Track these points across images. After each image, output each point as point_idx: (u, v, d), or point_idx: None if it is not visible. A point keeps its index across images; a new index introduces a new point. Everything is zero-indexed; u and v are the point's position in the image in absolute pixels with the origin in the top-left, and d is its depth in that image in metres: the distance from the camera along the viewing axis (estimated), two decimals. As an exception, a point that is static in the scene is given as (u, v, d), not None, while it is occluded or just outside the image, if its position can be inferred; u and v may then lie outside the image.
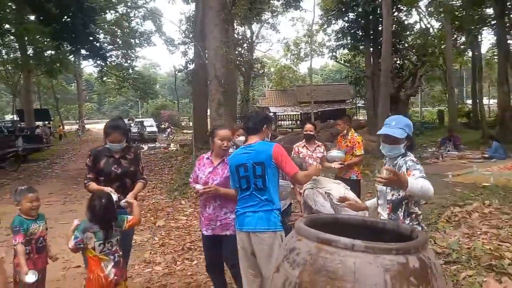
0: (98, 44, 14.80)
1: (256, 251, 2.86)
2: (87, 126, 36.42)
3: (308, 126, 5.12)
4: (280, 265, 1.66)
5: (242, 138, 4.52)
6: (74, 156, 18.56)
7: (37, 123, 26.41)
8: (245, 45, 10.11)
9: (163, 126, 31.85)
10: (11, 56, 23.36)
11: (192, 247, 5.25)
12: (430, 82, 30.87)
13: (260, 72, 17.54)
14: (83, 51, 14.64)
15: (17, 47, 20.99)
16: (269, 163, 2.87)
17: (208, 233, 3.24)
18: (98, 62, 21.55)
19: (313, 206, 3.53)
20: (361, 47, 19.43)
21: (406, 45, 22.37)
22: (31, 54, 20.56)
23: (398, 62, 24.65)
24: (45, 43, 15.64)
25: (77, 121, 37.81)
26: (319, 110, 29.19)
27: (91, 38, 13.71)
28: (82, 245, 2.66)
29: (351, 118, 6.47)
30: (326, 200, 3.18)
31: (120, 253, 2.82)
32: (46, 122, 28.69)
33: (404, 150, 2.56)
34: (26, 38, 17.33)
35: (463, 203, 6.60)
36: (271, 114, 33.55)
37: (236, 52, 10.44)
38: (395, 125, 2.52)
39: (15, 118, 27.97)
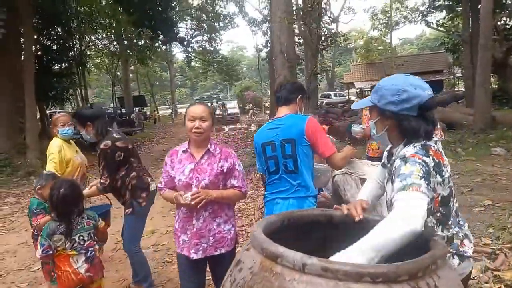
0: (176, 30, 15.16)
1: None
2: (179, 110, 38.57)
3: None
4: (224, 283, 1.21)
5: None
6: (162, 139, 19.74)
7: (135, 108, 28.77)
8: (314, 15, 9.26)
9: (247, 107, 32.30)
10: (110, 47, 25.44)
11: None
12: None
13: (342, 44, 16.17)
14: (161, 37, 15.07)
15: (113, 38, 22.74)
16: (300, 141, 2.40)
17: (197, 256, 2.31)
18: (179, 47, 22.27)
19: (343, 195, 2.87)
20: (458, 8, 16.90)
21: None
22: (126, 44, 22.24)
23: (507, 21, 21.14)
24: (133, 33, 16.59)
25: (170, 105, 40.32)
26: (410, 83, 26.70)
27: (169, 23, 14.09)
28: (51, 252, 2.36)
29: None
30: (359, 187, 2.55)
31: (97, 247, 2.60)
32: (142, 108, 31.05)
33: (381, 133, 1.62)
34: (122, 30, 18.81)
35: None
36: (357, 89, 31.90)
37: (302, 22, 9.65)
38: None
39: (116, 105, 30.84)
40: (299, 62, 10.38)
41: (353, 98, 32.89)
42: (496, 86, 22.26)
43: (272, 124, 2.56)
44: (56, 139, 3.58)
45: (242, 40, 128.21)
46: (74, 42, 19.43)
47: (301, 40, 11.09)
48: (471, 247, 1.56)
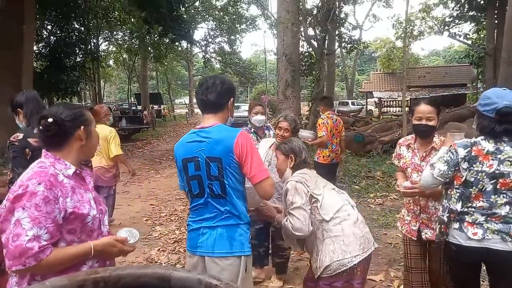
0: (186, 27, 14.95)
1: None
2: (196, 110, 38.52)
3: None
4: None
5: (259, 117, 3.95)
6: (169, 138, 19.55)
7: (151, 106, 28.79)
8: (319, 16, 8.78)
9: (263, 111, 31.86)
10: (127, 43, 25.58)
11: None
12: None
13: (360, 50, 15.55)
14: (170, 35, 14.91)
15: (129, 34, 22.80)
16: (228, 161, 1.95)
17: None
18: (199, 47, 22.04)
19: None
20: (483, 20, 16.00)
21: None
22: (144, 41, 22.24)
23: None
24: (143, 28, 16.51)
25: (187, 105, 40.33)
26: (431, 95, 25.67)
27: (179, 21, 13.89)
28: None
29: (328, 101, 6.27)
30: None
31: None
32: (158, 106, 31.07)
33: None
34: (133, 26, 18.73)
35: None
36: (374, 99, 30.96)
37: (307, 24, 9.18)
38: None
39: (132, 101, 31.01)
40: (301, 66, 9.90)
41: (371, 107, 32.02)
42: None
43: (197, 135, 2.04)
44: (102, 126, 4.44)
45: (267, 43, 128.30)
46: (90, 37, 19.52)
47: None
48: (475, 234, 2.04)
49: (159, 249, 4.57)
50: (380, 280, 3.57)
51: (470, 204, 2.07)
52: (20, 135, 2.66)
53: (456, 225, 2.12)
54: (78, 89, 18.17)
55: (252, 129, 3.98)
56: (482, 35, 19.30)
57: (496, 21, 14.63)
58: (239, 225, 2.03)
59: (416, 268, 2.61)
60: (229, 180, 1.97)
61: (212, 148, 1.96)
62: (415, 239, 2.58)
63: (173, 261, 4.24)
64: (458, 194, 2.10)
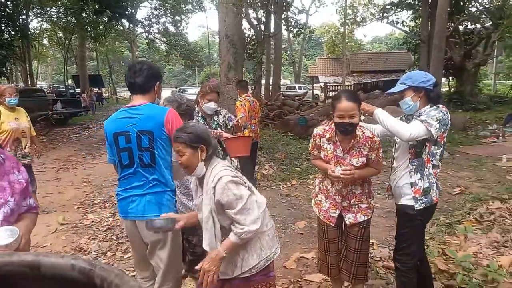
0: (124, 4, 14.12)
1: (148, 243, 2.31)
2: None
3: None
4: None
5: (212, 105, 3.79)
6: (111, 122, 18.69)
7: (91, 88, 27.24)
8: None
9: (210, 94, 31.39)
10: (62, 21, 23.81)
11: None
12: (507, 51, 26.70)
13: (300, 31, 15.61)
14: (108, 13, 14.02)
15: (66, 12, 21.21)
16: (159, 134, 2.20)
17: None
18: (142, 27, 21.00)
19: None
20: (419, 8, 16.81)
21: (480, 6, 19.16)
22: (80, 19, 20.75)
23: (468, 26, 21.44)
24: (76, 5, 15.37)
25: (131, 88, 38.69)
26: (373, 81, 26.78)
27: (117, -1, 13.09)
28: None
29: (244, 84, 6.51)
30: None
31: None
32: (97, 89, 29.52)
33: (417, 103, 2.44)
34: (69, 2, 17.40)
35: (508, 197, 5.03)
36: (320, 84, 31.74)
37: (248, 5, 9.06)
38: (398, 83, 2.52)
39: (70, 84, 29.17)
40: (246, 48, 9.80)
41: (317, 92, 32.77)
42: (453, 89, 22.68)
43: (127, 112, 2.24)
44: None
45: (215, 25, 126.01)
46: (19, 12, 17.88)
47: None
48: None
49: (89, 237, 4.35)
50: (312, 257, 3.66)
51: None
52: None
53: (435, 185, 2.43)
54: (6, 69, 16.65)
55: (200, 113, 3.79)
56: (418, 23, 20.31)
57: (429, 10, 15.43)
58: (166, 192, 2.26)
59: (334, 251, 2.62)
60: (159, 150, 2.21)
61: (143, 123, 2.18)
62: (333, 225, 2.57)
63: (103, 248, 4.05)
64: (440, 153, 2.41)
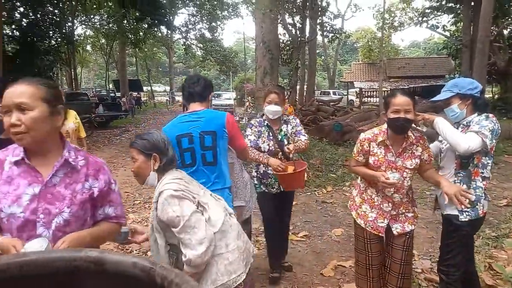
0: (164, 11, 14.58)
1: None
2: (177, 98, 38.03)
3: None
4: None
5: (273, 107, 3.20)
6: (148, 125, 19.25)
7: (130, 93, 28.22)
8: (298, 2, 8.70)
9: (244, 99, 31.70)
10: (105, 27, 24.89)
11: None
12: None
13: (342, 40, 15.50)
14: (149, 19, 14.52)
15: (105, 18, 22.18)
16: (221, 133, 2.41)
17: None
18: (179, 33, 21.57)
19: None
20: (460, 12, 16.22)
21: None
22: (122, 25, 21.61)
23: (513, 29, 20.42)
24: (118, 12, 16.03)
25: (168, 92, 39.75)
26: (410, 86, 26.04)
27: (157, 5, 13.53)
28: None
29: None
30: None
31: None
32: (136, 93, 30.51)
33: (464, 110, 2.38)
34: (112, 10, 18.19)
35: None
36: (355, 89, 31.23)
37: (285, 11, 9.09)
38: (443, 89, 2.48)
39: (111, 88, 30.34)
40: (282, 54, 9.81)
41: (352, 97, 32.28)
42: (497, 96, 21.64)
43: (188, 117, 2.47)
44: None
45: (251, 31, 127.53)
46: (65, 20, 18.86)
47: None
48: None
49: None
50: (350, 266, 3.60)
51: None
52: None
53: (483, 198, 2.36)
54: (53, 73, 17.58)
55: (266, 122, 3.29)
56: (459, 27, 19.60)
57: (472, 13, 14.86)
58: (225, 189, 2.41)
59: (376, 264, 2.55)
60: (220, 150, 2.39)
61: (206, 125, 2.39)
62: (382, 235, 2.48)
63: (144, 248, 4.17)
64: (490, 164, 2.37)
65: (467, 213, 2.32)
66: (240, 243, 1.91)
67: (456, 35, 19.94)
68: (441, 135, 2.33)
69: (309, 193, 6.36)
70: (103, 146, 12.12)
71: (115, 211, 1.63)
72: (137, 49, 28.95)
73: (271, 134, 3.26)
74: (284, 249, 3.62)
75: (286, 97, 8.46)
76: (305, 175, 3.31)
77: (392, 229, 2.48)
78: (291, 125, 3.35)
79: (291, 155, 3.20)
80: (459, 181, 2.35)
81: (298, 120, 3.44)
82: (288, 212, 3.56)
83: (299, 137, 3.33)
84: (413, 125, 2.37)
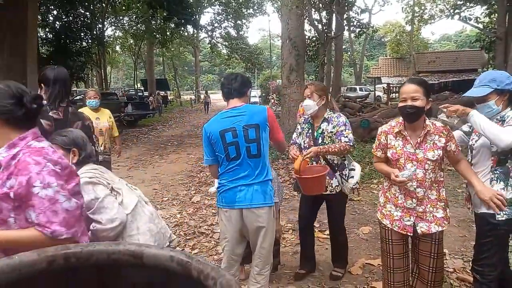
0: (190, 11, 14.76)
1: (249, 230, 2.52)
2: (202, 96, 38.48)
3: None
4: None
5: (309, 102, 3.11)
6: (175, 123, 19.58)
7: (157, 92, 28.78)
8: None
9: (269, 97, 31.68)
10: (134, 28, 25.45)
11: (206, 232, 4.58)
12: None
13: (369, 35, 15.22)
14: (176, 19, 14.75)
15: (134, 19, 22.67)
16: (264, 126, 2.50)
17: None
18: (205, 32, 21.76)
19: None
20: (494, 3, 15.55)
21: None
22: (150, 26, 22.05)
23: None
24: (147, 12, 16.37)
25: (193, 91, 40.24)
26: (441, 81, 25.26)
27: (184, 5, 13.72)
28: None
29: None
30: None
31: None
32: (163, 92, 31.07)
33: (500, 106, 2.28)
34: (140, 11, 18.61)
35: None
36: (383, 85, 30.57)
37: (311, 7, 9.01)
38: (478, 84, 2.34)
39: (139, 87, 30.99)
40: (308, 50, 9.73)
41: (379, 93, 31.63)
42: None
43: (230, 112, 2.54)
44: (84, 108, 4.74)
45: (276, 28, 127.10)
46: (96, 22, 19.44)
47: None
48: None
49: (160, 232, 4.60)
50: (378, 264, 3.56)
51: None
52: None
53: None
54: (84, 74, 18.17)
55: (310, 119, 3.25)
56: (493, 19, 18.81)
57: (507, 4, 14.24)
58: (268, 181, 2.51)
59: (398, 268, 2.45)
60: (263, 142, 2.48)
61: (249, 118, 2.47)
62: (410, 234, 2.39)
63: (172, 244, 4.27)
64: None
65: (504, 212, 2.24)
66: (152, 226, 2.04)
67: (490, 27, 19.13)
68: (478, 129, 2.22)
69: (336, 191, 6.31)
70: (131, 144, 12.42)
71: (37, 218, 1.43)
72: (164, 49, 29.44)
73: (310, 131, 3.20)
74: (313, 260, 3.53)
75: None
76: (326, 179, 3.04)
77: (417, 228, 2.36)
78: (332, 124, 3.11)
79: (312, 155, 2.97)
80: (495, 179, 2.27)
81: (343, 119, 3.12)
82: (336, 218, 3.39)
83: (340, 138, 3.05)
84: (439, 116, 2.34)
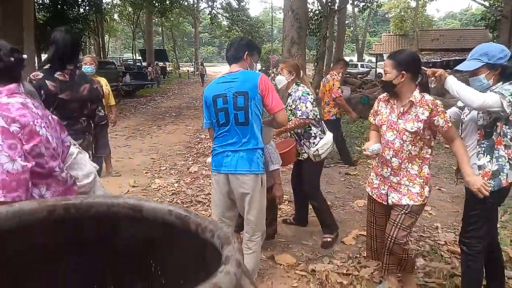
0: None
1: (236, 195, 2.55)
2: (199, 69, 38.06)
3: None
4: None
5: (278, 77, 3.45)
6: (174, 95, 19.43)
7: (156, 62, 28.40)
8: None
9: (270, 71, 31.37)
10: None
11: (203, 200, 4.64)
12: None
13: (366, 6, 14.91)
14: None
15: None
16: (253, 94, 2.43)
17: None
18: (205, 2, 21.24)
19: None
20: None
21: None
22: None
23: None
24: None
25: (192, 63, 39.74)
26: (443, 59, 25.02)
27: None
28: None
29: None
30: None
31: None
32: (161, 63, 30.66)
33: (491, 80, 2.24)
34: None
35: None
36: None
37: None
38: (470, 57, 2.31)
39: (137, 58, 30.54)
40: (310, 24, 9.55)
41: (380, 70, 31.34)
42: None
43: (225, 78, 2.55)
44: None
45: (278, 0, 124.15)
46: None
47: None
48: None
49: (157, 200, 4.65)
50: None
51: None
52: (40, 75, 2.60)
53: (506, 167, 2.23)
54: (82, 42, 17.84)
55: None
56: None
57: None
58: (256, 150, 2.49)
59: (380, 237, 2.55)
60: (252, 110, 2.42)
61: (240, 85, 2.43)
62: (386, 203, 2.47)
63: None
64: (510, 133, 2.24)
65: (489, 184, 2.26)
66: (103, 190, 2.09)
67: (497, 5, 18.81)
68: (453, 93, 2.24)
69: (332, 165, 6.35)
70: (129, 114, 12.37)
71: None
72: (163, 18, 28.87)
73: None
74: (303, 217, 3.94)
75: (313, 69, 8.33)
76: (295, 151, 3.41)
77: (389, 198, 2.43)
78: (292, 98, 3.32)
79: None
80: (482, 152, 2.27)
81: (299, 93, 3.26)
82: (304, 182, 3.56)
83: (296, 112, 3.24)
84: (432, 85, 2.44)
